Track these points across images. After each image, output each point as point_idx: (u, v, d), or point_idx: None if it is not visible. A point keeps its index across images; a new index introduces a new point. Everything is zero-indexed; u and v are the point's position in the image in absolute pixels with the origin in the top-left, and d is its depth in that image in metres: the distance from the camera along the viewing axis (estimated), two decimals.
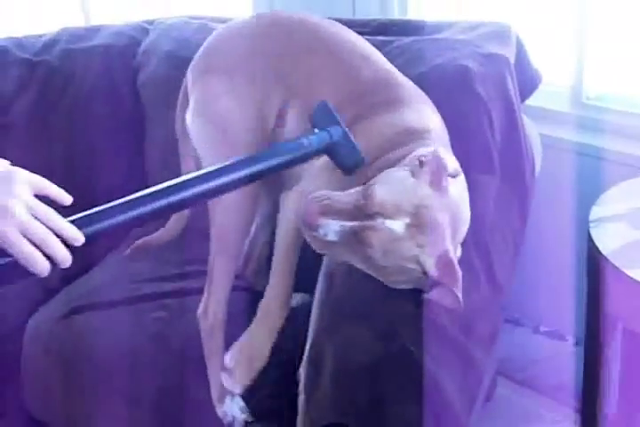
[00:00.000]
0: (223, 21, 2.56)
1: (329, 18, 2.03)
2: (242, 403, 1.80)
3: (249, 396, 1.79)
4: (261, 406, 1.81)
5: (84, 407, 1.98)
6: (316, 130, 1.50)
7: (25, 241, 1.20)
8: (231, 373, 1.65)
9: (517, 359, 2.74)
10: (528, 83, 2.22)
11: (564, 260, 2.54)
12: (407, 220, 1.46)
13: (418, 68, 2.05)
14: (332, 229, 1.47)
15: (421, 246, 1.47)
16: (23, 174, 1.27)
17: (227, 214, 1.79)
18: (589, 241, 1.88)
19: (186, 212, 2.04)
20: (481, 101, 1.94)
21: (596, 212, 1.95)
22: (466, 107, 1.96)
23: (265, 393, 1.82)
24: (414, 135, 1.69)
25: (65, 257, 1.24)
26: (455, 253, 1.52)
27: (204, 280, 1.87)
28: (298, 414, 1.68)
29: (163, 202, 1.42)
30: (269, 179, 1.61)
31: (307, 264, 1.75)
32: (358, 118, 1.74)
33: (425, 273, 1.47)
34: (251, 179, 1.44)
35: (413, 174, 1.50)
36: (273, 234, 1.77)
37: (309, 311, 1.74)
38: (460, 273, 1.48)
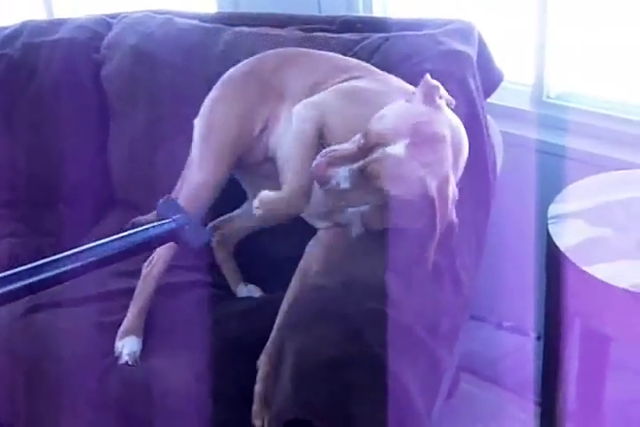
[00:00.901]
0: (188, 16, 2.57)
1: (294, 14, 2.05)
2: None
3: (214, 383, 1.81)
4: (226, 395, 1.82)
5: (48, 408, 1.96)
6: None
7: None
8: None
9: (481, 355, 2.76)
10: (490, 81, 2.23)
11: (526, 256, 2.54)
12: (407, 140, 1.53)
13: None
14: (341, 176, 1.55)
15: (426, 166, 1.54)
16: None
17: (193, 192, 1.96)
18: (548, 238, 1.90)
19: None
20: None
21: (554, 209, 1.97)
22: None
23: (228, 381, 1.83)
24: None
25: None
26: (454, 185, 1.59)
27: (172, 277, 1.97)
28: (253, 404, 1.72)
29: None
30: (255, 173, 1.86)
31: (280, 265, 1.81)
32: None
33: (428, 198, 1.54)
34: (97, 265, 1.52)
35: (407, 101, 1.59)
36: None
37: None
38: (449, 205, 1.57)
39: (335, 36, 2.27)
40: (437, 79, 1.95)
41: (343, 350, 1.51)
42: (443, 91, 1.65)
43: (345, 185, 1.56)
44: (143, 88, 2.49)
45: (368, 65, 2.01)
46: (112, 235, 2.30)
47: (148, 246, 1.57)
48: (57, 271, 1.45)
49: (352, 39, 2.25)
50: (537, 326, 2.77)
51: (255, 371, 1.76)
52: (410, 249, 1.70)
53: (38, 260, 2.20)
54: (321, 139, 1.72)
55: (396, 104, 1.61)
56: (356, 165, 1.55)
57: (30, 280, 1.44)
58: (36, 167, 2.55)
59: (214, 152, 1.97)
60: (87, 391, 1.92)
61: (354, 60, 2.04)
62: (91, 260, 1.48)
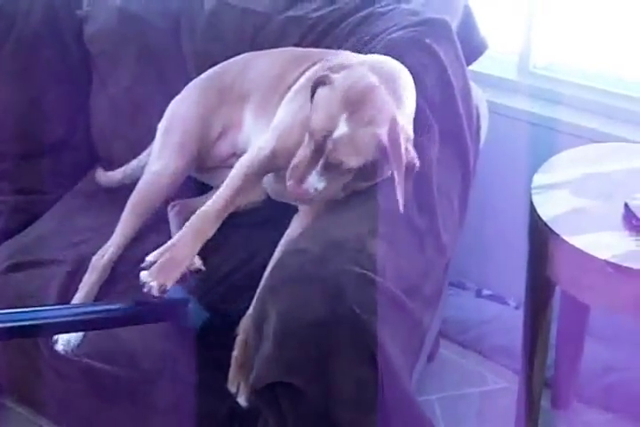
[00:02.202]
0: None
1: None
2: None
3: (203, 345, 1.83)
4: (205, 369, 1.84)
5: (29, 372, 1.98)
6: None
7: None
8: (151, 269, 1.66)
9: (460, 322, 2.80)
10: (473, 49, 2.23)
11: (509, 226, 2.56)
12: (343, 115, 1.60)
13: (358, 53, 2.07)
14: (314, 182, 1.63)
15: (371, 121, 1.60)
16: None
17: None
18: (531, 208, 1.92)
19: None
20: (407, 68, 1.95)
21: (538, 179, 1.98)
22: None
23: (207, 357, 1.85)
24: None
25: None
26: (404, 123, 1.64)
27: (148, 239, 2.01)
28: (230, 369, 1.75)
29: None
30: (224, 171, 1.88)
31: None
32: None
33: (383, 148, 1.61)
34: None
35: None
36: None
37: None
38: (403, 148, 1.62)
39: (318, 14, 2.26)
40: (402, 48, 1.98)
41: (325, 312, 1.52)
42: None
43: (321, 185, 1.64)
44: (128, 49, 2.48)
45: (326, 51, 2.07)
46: (95, 193, 2.36)
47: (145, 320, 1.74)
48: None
49: (335, 18, 2.25)
50: (517, 296, 2.80)
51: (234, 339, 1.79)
52: (391, 212, 1.71)
53: (21, 217, 2.24)
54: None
55: (317, 94, 1.67)
56: (319, 166, 1.63)
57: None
58: (16, 121, 2.54)
59: (173, 145, 2.09)
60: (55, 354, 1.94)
61: (312, 51, 2.12)
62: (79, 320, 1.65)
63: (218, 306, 1.94)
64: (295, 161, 1.66)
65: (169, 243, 1.69)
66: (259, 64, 2.13)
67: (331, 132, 1.61)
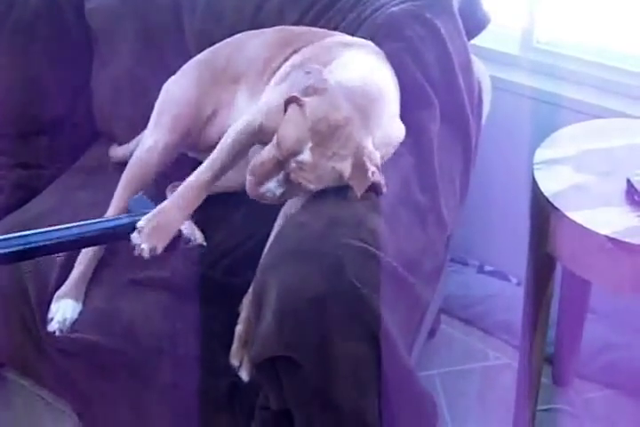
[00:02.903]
0: None
1: None
2: None
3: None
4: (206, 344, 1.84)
5: (30, 346, 1.98)
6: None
7: None
8: (142, 232, 1.67)
9: (461, 298, 2.80)
10: (476, 23, 2.21)
11: (512, 201, 2.55)
12: (309, 144, 1.61)
13: (358, 27, 2.11)
14: (272, 187, 1.65)
15: (333, 155, 1.61)
16: None
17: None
18: (533, 183, 1.91)
19: None
20: (405, 42, 1.95)
21: (540, 154, 1.97)
22: (388, 49, 1.97)
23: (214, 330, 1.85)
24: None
25: None
26: (371, 148, 1.66)
27: None
28: (233, 344, 1.75)
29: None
30: None
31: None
32: None
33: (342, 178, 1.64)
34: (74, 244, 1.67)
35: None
36: None
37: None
38: (369, 172, 1.63)
39: None
40: (402, 21, 1.98)
41: (325, 287, 1.52)
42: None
43: (279, 192, 1.66)
44: (128, 26, 2.47)
45: (316, 30, 2.09)
46: (95, 169, 2.35)
47: (110, 238, 1.71)
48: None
49: None
50: (518, 272, 2.79)
51: (237, 315, 1.79)
52: (394, 188, 1.72)
53: (21, 193, 2.22)
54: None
55: (290, 110, 1.67)
56: (280, 176, 1.64)
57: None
58: (18, 98, 2.54)
59: (165, 122, 2.11)
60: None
61: (302, 29, 2.12)
62: (54, 241, 1.59)
63: (220, 280, 1.95)
64: (258, 160, 1.66)
65: (157, 209, 1.69)
66: (250, 46, 2.12)
67: (295, 154, 1.61)
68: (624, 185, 1.84)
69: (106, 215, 2.02)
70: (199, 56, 2.21)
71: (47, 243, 1.58)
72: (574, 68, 2.50)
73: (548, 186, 1.87)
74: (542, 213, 1.87)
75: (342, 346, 1.53)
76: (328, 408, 1.58)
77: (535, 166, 1.93)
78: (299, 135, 1.62)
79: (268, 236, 1.85)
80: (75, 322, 1.93)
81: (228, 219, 2.09)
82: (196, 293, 1.92)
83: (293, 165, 1.62)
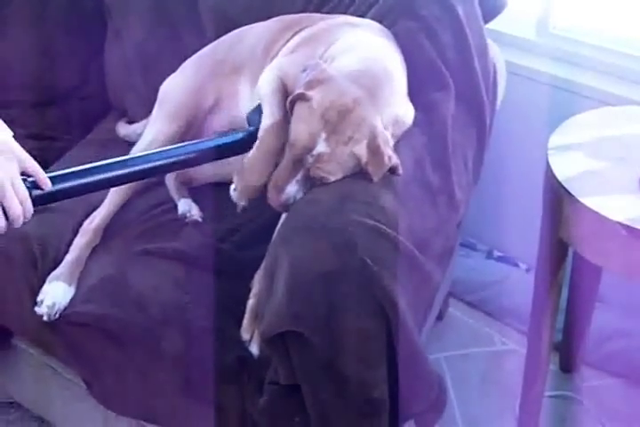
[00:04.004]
0: None
1: None
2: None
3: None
4: (215, 317, 1.84)
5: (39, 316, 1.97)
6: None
7: None
8: (236, 191, 1.74)
9: (470, 282, 2.80)
10: (492, 7, 2.20)
11: (523, 187, 2.56)
12: (322, 135, 1.63)
13: (371, 6, 2.10)
14: (293, 191, 1.68)
15: (349, 140, 1.63)
16: (17, 152, 1.57)
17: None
18: (547, 168, 1.90)
19: None
20: (421, 22, 1.95)
21: (554, 140, 1.97)
22: (403, 29, 1.98)
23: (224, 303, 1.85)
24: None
25: (18, 219, 1.55)
26: (382, 129, 1.67)
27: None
28: (244, 318, 1.75)
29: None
30: None
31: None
32: None
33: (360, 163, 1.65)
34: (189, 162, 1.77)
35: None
36: None
37: None
38: (386, 157, 1.65)
39: None
40: (421, 4, 1.98)
41: (336, 263, 1.53)
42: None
43: (300, 195, 1.69)
44: (143, 3, 2.48)
45: (317, 15, 2.10)
46: (107, 142, 2.36)
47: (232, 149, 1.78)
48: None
49: None
50: (528, 259, 2.80)
51: (248, 290, 1.79)
52: (407, 167, 1.73)
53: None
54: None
55: (297, 108, 1.68)
56: (299, 176, 1.67)
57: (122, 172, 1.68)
58: (30, 68, 2.55)
59: (165, 114, 2.12)
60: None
61: (302, 15, 2.13)
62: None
63: (232, 254, 1.96)
64: (275, 172, 1.70)
65: (241, 169, 1.73)
66: (249, 35, 2.13)
67: (311, 149, 1.64)
68: (638, 172, 1.83)
69: (102, 207, 2.04)
70: (199, 52, 2.22)
71: (167, 161, 1.72)
72: (590, 55, 2.50)
73: (563, 171, 1.86)
74: (556, 198, 1.86)
75: (351, 320, 1.55)
76: (335, 381, 1.60)
77: (549, 152, 1.92)
78: (310, 130, 1.63)
79: (278, 213, 1.84)
80: (83, 292, 1.94)
81: None
82: (207, 265, 1.94)
83: (311, 160, 1.64)
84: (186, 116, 2.10)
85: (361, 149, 1.64)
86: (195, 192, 2.17)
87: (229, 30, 2.27)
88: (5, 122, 2.44)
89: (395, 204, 1.64)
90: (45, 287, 1.95)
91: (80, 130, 2.51)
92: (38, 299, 1.93)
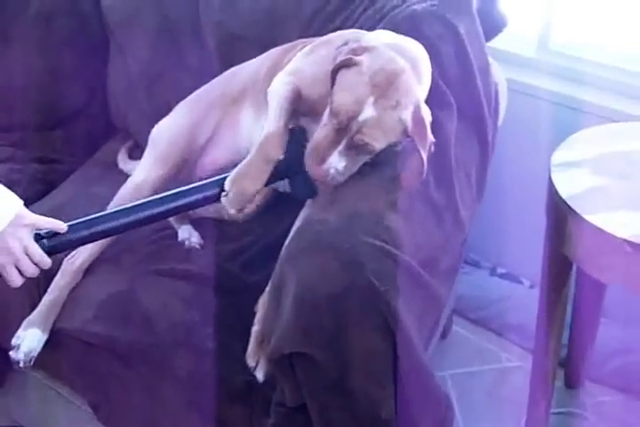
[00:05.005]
0: None
1: None
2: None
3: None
4: (223, 338, 1.85)
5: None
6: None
7: (13, 269, 1.66)
8: (227, 196, 1.69)
9: (474, 299, 2.80)
10: (493, 25, 2.21)
11: (525, 204, 2.55)
12: (370, 99, 1.61)
13: (377, 22, 2.09)
14: (335, 162, 1.64)
15: (397, 105, 1.62)
16: (27, 218, 1.65)
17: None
18: (550, 185, 1.90)
19: None
20: (424, 40, 1.91)
21: (558, 157, 1.97)
22: None
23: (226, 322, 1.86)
24: None
25: (34, 275, 1.69)
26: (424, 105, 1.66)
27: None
28: (249, 344, 1.74)
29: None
30: None
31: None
32: None
33: (406, 131, 1.64)
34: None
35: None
36: None
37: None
38: (429, 130, 1.64)
39: None
40: (422, 20, 1.98)
41: (344, 283, 1.53)
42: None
43: (341, 166, 1.65)
44: (146, 19, 2.49)
45: (309, 39, 2.05)
46: (111, 164, 2.35)
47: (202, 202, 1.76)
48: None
49: None
50: (531, 275, 2.79)
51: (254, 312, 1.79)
52: (407, 187, 1.73)
53: (37, 187, 2.25)
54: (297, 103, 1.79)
55: (341, 76, 1.67)
56: (341, 146, 1.64)
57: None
58: (34, 91, 2.54)
59: (155, 156, 2.09)
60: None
61: (300, 40, 2.08)
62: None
63: (238, 275, 1.96)
64: (315, 141, 1.66)
65: (237, 171, 1.70)
66: (248, 68, 2.11)
67: (356, 115, 1.61)
68: None
69: (83, 249, 1.98)
70: (190, 95, 2.19)
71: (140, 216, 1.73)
72: (590, 71, 2.50)
73: (566, 188, 1.86)
74: (559, 215, 1.86)
75: (358, 339, 1.54)
76: (343, 399, 1.59)
77: (552, 169, 1.92)
78: (357, 95, 1.61)
79: (285, 232, 1.83)
80: (92, 309, 1.94)
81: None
82: (214, 285, 1.94)
83: (355, 128, 1.61)
84: (176, 158, 2.07)
85: (408, 116, 1.63)
86: (195, 219, 2.17)
87: (232, 46, 2.28)
88: (9, 145, 2.49)
89: (401, 223, 1.64)
90: (21, 333, 1.93)
91: (84, 151, 2.52)
92: (13, 343, 1.92)
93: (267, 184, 1.73)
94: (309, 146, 1.67)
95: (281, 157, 1.71)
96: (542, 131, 2.48)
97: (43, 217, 1.67)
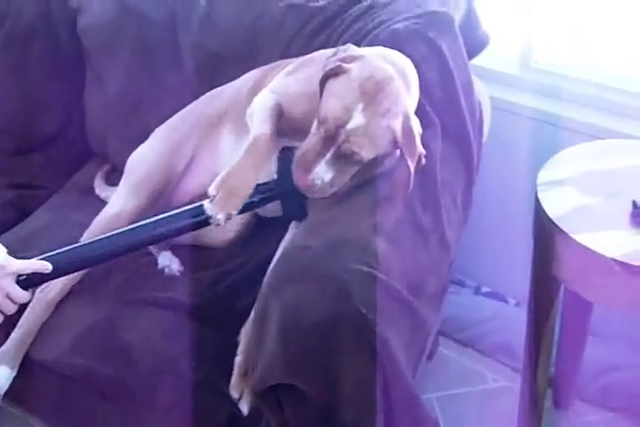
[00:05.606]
0: None
1: None
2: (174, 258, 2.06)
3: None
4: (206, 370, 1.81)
5: (20, 371, 1.93)
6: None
7: None
8: (214, 200, 1.62)
9: (459, 320, 2.77)
10: (475, 43, 2.20)
11: (510, 223, 2.56)
12: (360, 106, 1.59)
13: (359, 42, 2.05)
14: (322, 172, 1.61)
15: (386, 113, 1.60)
16: (10, 267, 1.60)
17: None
18: (537, 205, 1.89)
19: None
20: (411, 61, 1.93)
21: (543, 175, 1.95)
22: None
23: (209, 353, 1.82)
24: None
25: (12, 311, 1.65)
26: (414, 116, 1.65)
27: None
28: (232, 375, 1.71)
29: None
30: None
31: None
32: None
33: (395, 141, 1.61)
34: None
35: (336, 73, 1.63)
36: None
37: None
38: (418, 140, 1.63)
39: (319, 4, 2.23)
40: (405, 39, 1.96)
41: (330, 312, 1.49)
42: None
43: (328, 177, 1.62)
44: (123, 42, 2.45)
45: (291, 59, 2.02)
46: (88, 189, 2.31)
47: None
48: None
49: (337, 7, 2.21)
50: (516, 293, 2.78)
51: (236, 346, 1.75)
52: (394, 207, 1.71)
53: (13, 213, 2.21)
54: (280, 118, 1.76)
55: (330, 84, 1.64)
56: (328, 155, 1.61)
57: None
58: (10, 115, 2.52)
59: (131, 186, 2.04)
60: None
61: (282, 61, 2.06)
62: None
63: (221, 302, 1.91)
64: (302, 150, 1.63)
65: (225, 172, 1.64)
66: (227, 88, 2.09)
67: (345, 123, 1.58)
68: (629, 207, 1.82)
69: (55, 281, 1.91)
70: (167, 121, 2.15)
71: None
72: (574, 89, 2.49)
73: (553, 208, 1.84)
74: (547, 235, 1.84)
75: (347, 372, 1.50)
76: None
77: (539, 188, 1.91)
78: (346, 102, 1.59)
79: (269, 257, 1.81)
80: (70, 342, 1.89)
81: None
82: (196, 314, 1.89)
83: (344, 136, 1.59)
84: (152, 189, 2.02)
85: (397, 124, 1.61)
86: (175, 245, 2.12)
87: (212, 66, 2.26)
88: None
89: (388, 248, 1.61)
90: None
91: (62, 177, 2.49)
92: None
93: (257, 207, 1.70)
94: (296, 155, 1.64)
95: (271, 161, 1.68)
96: (526, 149, 2.47)
97: (26, 262, 1.63)
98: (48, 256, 1.64)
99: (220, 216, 1.62)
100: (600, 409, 2.46)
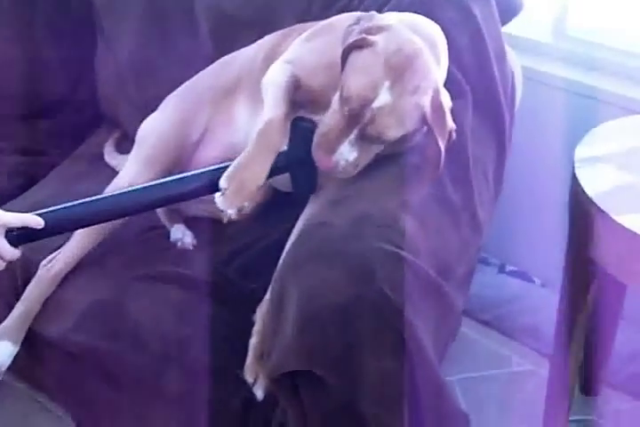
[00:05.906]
0: None
1: None
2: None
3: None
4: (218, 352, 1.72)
5: (29, 349, 1.87)
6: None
7: None
8: (225, 194, 1.54)
9: (483, 299, 2.68)
10: (508, 8, 2.10)
11: (537, 199, 2.49)
12: (386, 83, 1.49)
13: (382, 6, 1.98)
14: (346, 152, 1.52)
15: (415, 90, 1.50)
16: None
17: None
18: (574, 182, 1.79)
19: None
20: (437, 24, 1.81)
21: (581, 151, 1.85)
22: None
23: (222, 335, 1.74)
24: None
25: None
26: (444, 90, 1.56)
27: None
28: (247, 358, 1.63)
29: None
30: None
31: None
32: None
33: (424, 118, 1.52)
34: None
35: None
36: None
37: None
38: (448, 116, 1.54)
39: None
40: (434, 2, 1.88)
41: (352, 294, 1.40)
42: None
43: (352, 156, 1.53)
44: (135, 4, 2.39)
45: (308, 23, 1.92)
46: (96, 157, 2.25)
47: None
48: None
49: None
50: (543, 273, 2.70)
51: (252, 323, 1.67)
52: (423, 185, 1.62)
53: (19, 179, 2.13)
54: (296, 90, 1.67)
55: (353, 58, 1.54)
56: (352, 135, 1.52)
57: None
58: (17, 79, 2.46)
59: (143, 159, 1.95)
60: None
61: (298, 25, 1.96)
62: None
63: (234, 281, 1.83)
64: (324, 129, 1.54)
65: (237, 162, 1.55)
66: (240, 55, 1.99)
67: (370, 101, 1.49)
68: None
69: (64, 252, 1.88)
70: (178, 88, 2.07)
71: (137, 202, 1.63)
72: (611, 58, 2.40)
73: (592, 186, 1.74)
74: (585, 215, 1.74)
75: (369, 357, 1.42)
76: (352, 425, 1.47)
77: (576, 165, 1.81)
78: (372, 79, 1.49)
79: (286, 233, 1.72)
80: (74, 319, 1.82)
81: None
82: (208, 293, 1.81)
83: (369, 115, 1.49)
84: (165, 161, 1.93)
85: (426, 101, 1.51)
86: (189, 217, 2.05)
87: (227, 29, 2.19)
88: None
89: (415, 226, 1.52)
90: None
91: (70, 143, 2.44)
92: None
93: (266, 179, 1.60)
94: (317, 135, 1.55)
95: (284, 146, 1.59)
96: (559, 122, 2.38)
97: (16, 215, 1.58)
98: (42, 213, 1.59)
99: (231, 211, 1.55)
100: (629, 397, 2.38)
